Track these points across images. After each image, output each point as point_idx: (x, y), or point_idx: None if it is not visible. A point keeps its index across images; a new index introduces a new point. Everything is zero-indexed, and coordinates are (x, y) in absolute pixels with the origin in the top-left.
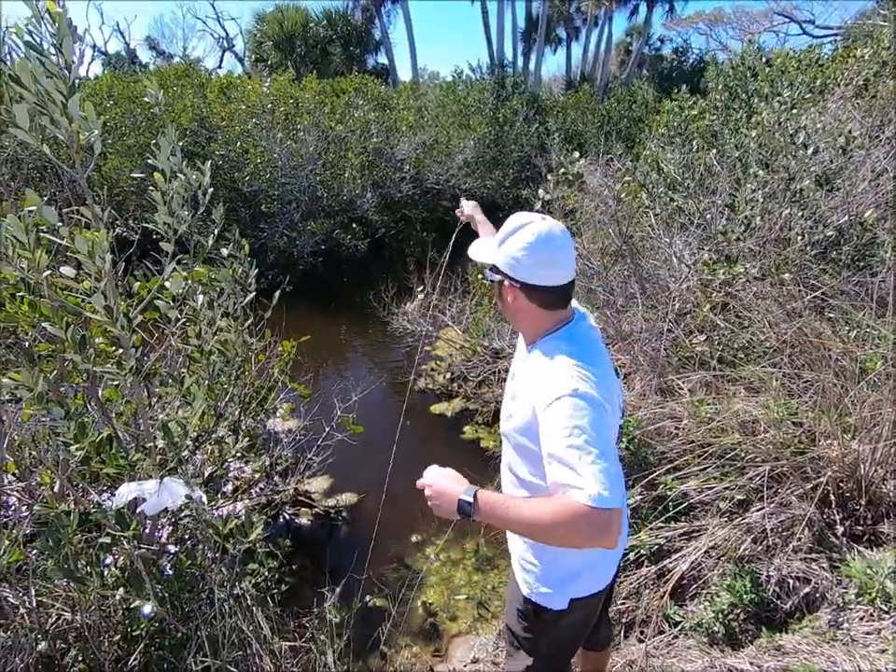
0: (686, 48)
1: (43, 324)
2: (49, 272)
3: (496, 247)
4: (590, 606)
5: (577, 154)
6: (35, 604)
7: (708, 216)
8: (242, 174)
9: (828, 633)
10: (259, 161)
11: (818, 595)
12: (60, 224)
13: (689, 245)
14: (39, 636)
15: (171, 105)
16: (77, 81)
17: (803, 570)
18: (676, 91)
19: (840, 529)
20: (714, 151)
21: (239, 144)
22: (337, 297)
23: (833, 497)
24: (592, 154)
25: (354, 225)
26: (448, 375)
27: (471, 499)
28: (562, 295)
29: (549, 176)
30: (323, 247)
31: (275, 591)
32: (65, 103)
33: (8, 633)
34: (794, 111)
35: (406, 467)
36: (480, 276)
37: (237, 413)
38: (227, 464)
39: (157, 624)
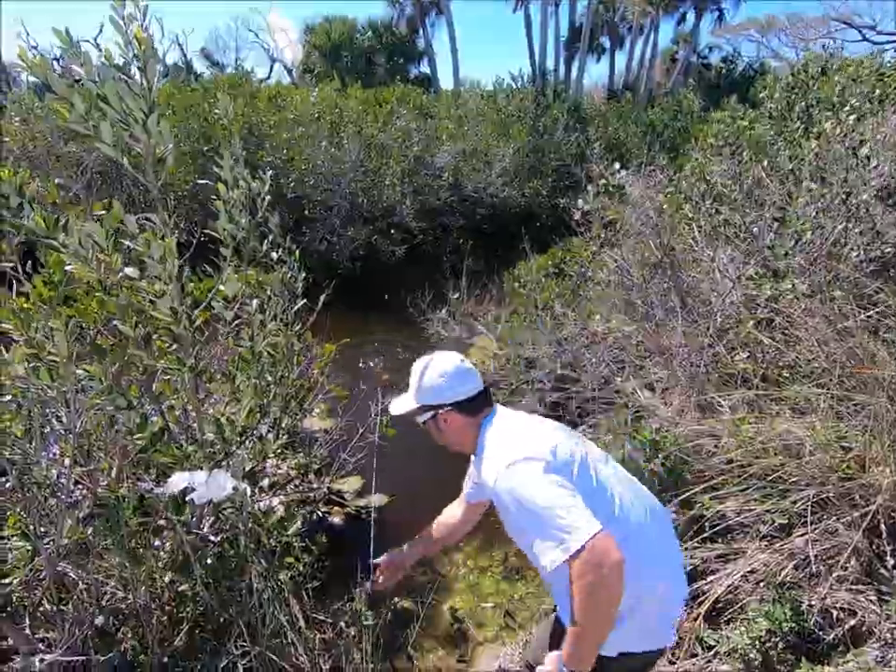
0: (735, 56)
1: (114, 321)
2: (121, 273)
3: (414, 394)
4: (642, 663)
5: (618, 165)
6: (91, 581)
7: (755, 229)
8: (287, 180)
9: (874, 669)
10: (303, 167)
11: (864, 628)
12: (137, 231)
13: (733, 259)
14: (97, 610)
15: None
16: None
17: (848, 601)
18: (724, 101)
19: (891, 561)
20: (766, 163)
21: (285, 151)
22: (374, 302)
23: (883, 528)
24: (634, 164)
25: (392, 231)
26: None
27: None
28: (484, 398)
29: (588, 187)
30: (362, 253)
31: (309, 586)
32: (146, 120)
33: (69, 606)
34: (860, 122)
35: (435, 472)
36: (516, 285)
37: (278, 411)
38: (265, 460)
39: (201, 609)
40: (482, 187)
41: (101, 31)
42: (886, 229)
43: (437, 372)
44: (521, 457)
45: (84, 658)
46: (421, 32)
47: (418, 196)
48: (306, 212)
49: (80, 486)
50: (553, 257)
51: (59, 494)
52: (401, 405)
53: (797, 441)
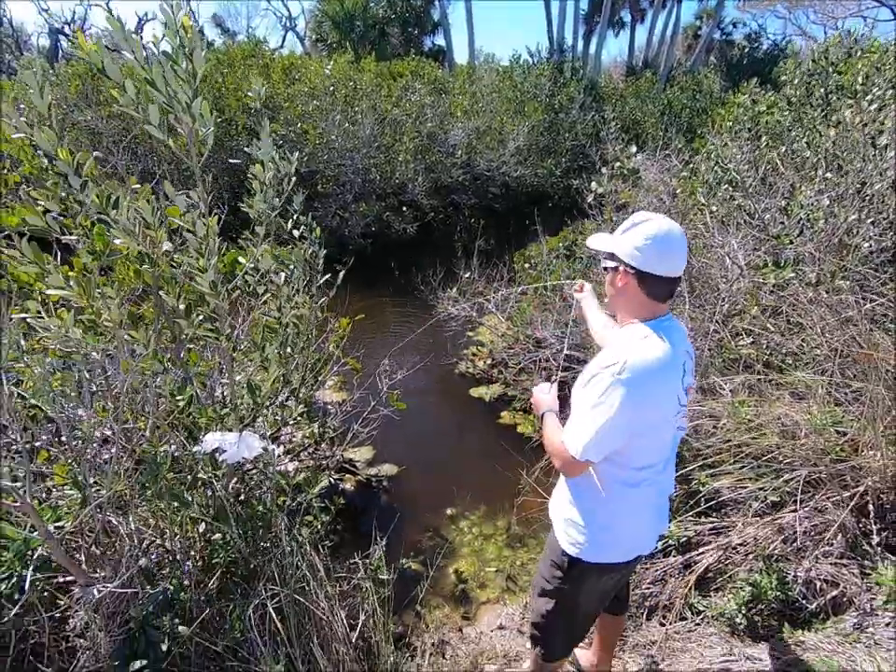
0: (759, 33)
1: (152, 292)
2: (165, 248)
3: (616, 237)
4: (619, 574)
5: (634, 149)
6: (133, 528)
7: (767, 216)
8: (300, 154)
9: (851, 635)
10: (317, 142)
11: (845, 599)
12: (187, 211)
13: (744, 245)
14: (140, 553)
15: (239, 84)
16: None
17: (832, 574)
18: (745, 80)
19: (876, 539)
20: (783, 149)
21: (299, 125)
22: (385, 279)
23: (871, 508)
24: (649, 146)
25: (404, 208)
26: (489, 361)
27: (541, 416)
28: (668, 288)
29: (603, 169)
30: (373, 229)
31: (326, 543)
32: (190, 104)
33: (114, 550)
34: (881, 111)
35: (443, 444)
36: (526, 266)
37: (299, 380)
38: (282, 427)
39: (232, 557)
40: (495, 165)
41: (144, 18)
42: None
43: (646, 234)
44: (619, 367)
45: (132, 591)
46: (436, 2)
47: (430, 173)
48: (319, 187)
49: (120, 443)
50: (564, 238)
51: (104, 448)
52: (600, 241)
53: (794, 424)
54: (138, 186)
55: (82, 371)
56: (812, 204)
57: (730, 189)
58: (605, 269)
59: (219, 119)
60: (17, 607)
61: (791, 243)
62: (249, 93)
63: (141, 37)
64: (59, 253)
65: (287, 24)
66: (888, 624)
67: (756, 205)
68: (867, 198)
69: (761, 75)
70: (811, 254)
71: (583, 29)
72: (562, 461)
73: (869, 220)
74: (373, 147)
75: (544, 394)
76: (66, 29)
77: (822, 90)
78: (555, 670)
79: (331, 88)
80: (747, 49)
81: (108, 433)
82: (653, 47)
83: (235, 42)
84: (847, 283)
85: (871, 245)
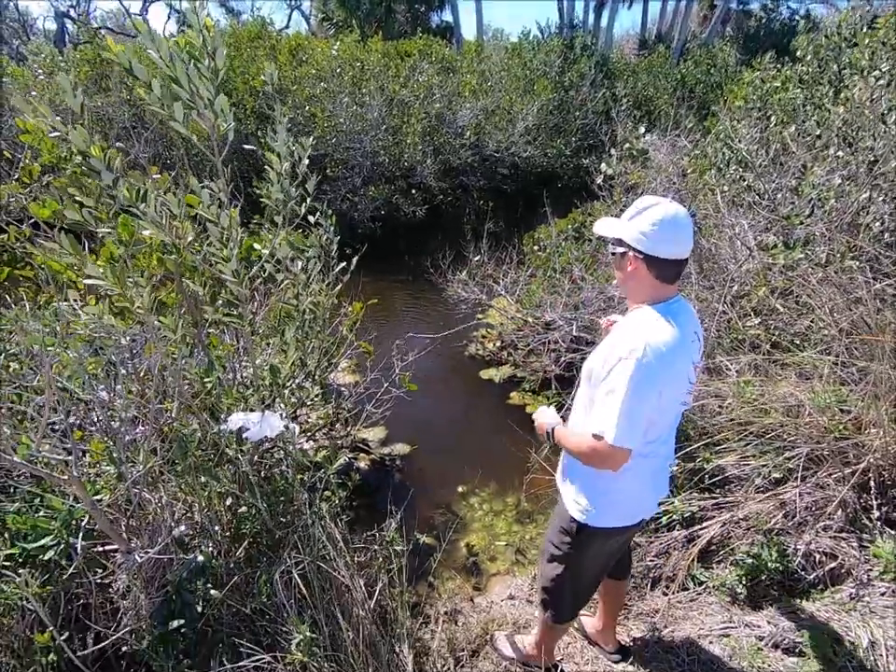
0: (778, 2)
1: (184, 279)
2: (192, 238)
3: (623, 223)
4: (623, 538)
5: (642, 129)
6: (164, 501)
7: (778, 196)
8: (309, 137)
9: (848, 604)
10: (325, 125)
11: (843, 570)
12: (210, 205)
13: (754, 226)
14: (173, 524)
15: (246, 67)
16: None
17: (831, 547)
18: (762, 54)
19: (876, 514)
20: (793, 128)
21: (307, 108)
22: (394, 262)
23: (872, 484)
24: (662, 123)
25: (413, 191)
26: (498, 343)
27: (551, 431)
28: (675, 270)
29: (612, 150)
30: (382, 213)
31: (343, 517)
32: (212, 101)
33: (147, 522)
34: (889, 87)
35: (454, 425)
36: (535, 248)
37: (315, 363)
38: (299, 408)
39: (257, 528)
40: (503, 146)
41: (169, 17)
42: None
43: (653, 218)
44: (641, 345)
45: (168, 558)
46: None
47: (439, 155)
48: (328, 171)
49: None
50: (573, 220)
51: (136, 427)
52: (605, 227)
53: (798, 403)
54: (158, 175)
55: (112, 356)
56: (823, 184)
57: (740, 169)
58: (612, 254)
59: (228, 103)
60: (70, 570)
61: (802, 223)
62: (261, 77)
63: (146, 19)
64: (86, 243)
65: (293, 3)
66: (883, 594)
67: (766, 185)
68: (879, 176)
69: (778, 47)
70: (822, 234)
71: (595, 2)
72: (599, 455)
73: (880, 199)
74: (381, 129)
75: (544, 415)
76: (72, 12)
77: (835, 66)
78: (562, 634)
79: (338, 69)
80: (764, 20)
81: (135, 413)
82: (667, 19)
83: (240, 22)
84: (857, 263)
85: (882, 224)
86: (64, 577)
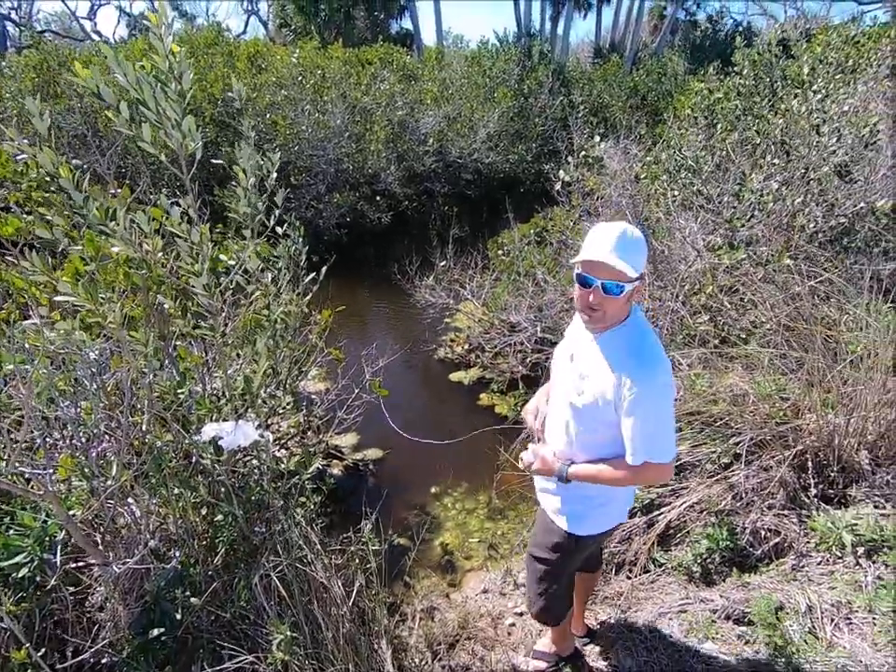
0: (721, 14)
1: (157, 293)
2: (160, 253)
3: (637, 259)
4: (604, 537)
5: (597, 138)
6: (137, 514)
7: (725, 200)
8: (271, 145)
9: (790, 574)
10: (287, 133)
11: (786, 544)
12: (181, 222)
13: (703, 227)
14: (148, 534)
15: (203, 74)
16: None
17: (774, 524)
18: (707, 63)
19: (813, 491)
20: (735, 136)
21: (269, 115)
22: (361, 269)
23: (810, 464)
24: (617, 131)
25: (377, 198)
26: (466, 346)
27: (565, 472)
28: None
29: (569, 158)
30: (348, 220)
31: (318, 522)
32: (179, 122)
33: (121, 536)
34: (824, 101)
35: (426, 427)
36: (500, 253)
37: (286, 372)
38: (271, 417)
39: (234, 535)
40: (466, 152)
41: (98, 3)
42: (840, 201)
43: (641, 241)
44: (664, 366)
45: (145, 568)
46: None
47: (403, 162)
48: (292, 179)
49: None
50: (535, 225)
51: (106, 442)
52: (619, 270)
53: (743, 392)
54: (119, 190)
55: (80, 371)
56: (762, 189)
57: (689, 175)
58: (619, 293)
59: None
60: (47, 586)
61: (744, 225)
62: (219, 84)
63: (95, 23)
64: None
65: (249, 8)
66: (819, 563)
67: (712, 190)
68: (811, 182)
69: (723, 56)
70: (762, 235)
71: (551, 11)
72: (664, 475)
73: (813, 202)
74: (344, 136)
75: (545, 460)
76: (13, 14)
77: (769, 79)
78: (569, 621)
79: (299, 77)
80: (709, 31)
81: (105, 429)
82: (620, 28)
83: (194, 26)
84: (793, 262)
85: (815, 225)
86: (40, 594)
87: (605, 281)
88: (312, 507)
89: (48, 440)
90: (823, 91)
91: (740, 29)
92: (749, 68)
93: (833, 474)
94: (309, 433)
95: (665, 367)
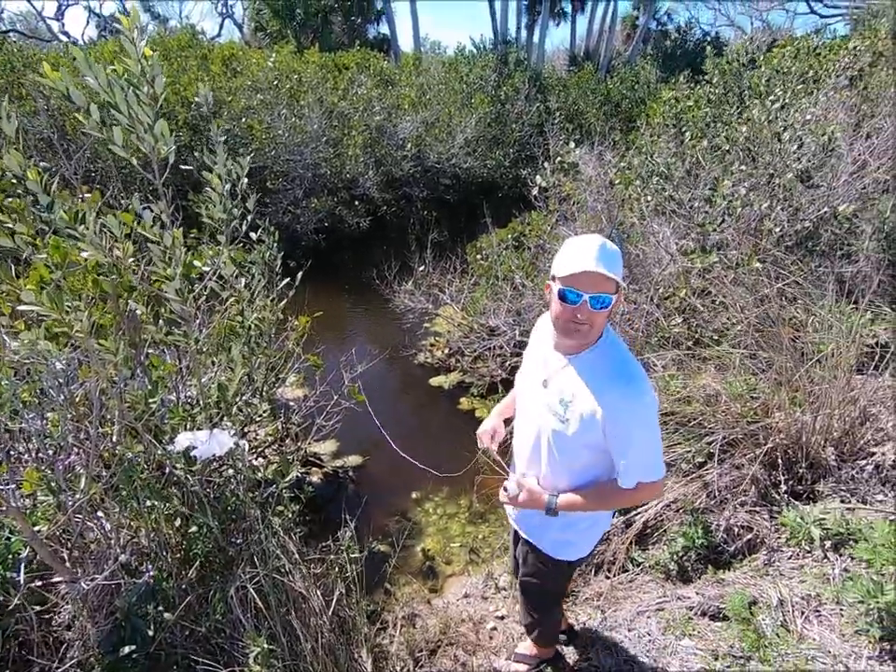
0: (690, 25)
1: (129, 301)
2: (131, 259)
3: (617, 271)
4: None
5: (572, 144)
6: (107, 528)
7: (696, 204)
8: (246, 150)
9: (762, 570)
10: (263, 137)
11: (758, 540)
12: (153, 225)
13: (676, 232)
14: (119, 550)
15: (177, 77)
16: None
17: (747, 520)
18: (677, 73)
19: (783, 488)
20: (705, 142)
21: (244, 120)
22: (340, 274)
23: (780, 462)
24: (592, 137)
25: (356, 202)
26: (446, 350)
27: (554, 505)
28: None
29: (546, 164)
30: (326, 225)
31: (297, 531)
32: (152, 125)
33: (90, 551)
34: (784, 110)
35: (406, 433)
36: (478, 257)
37: (262, 379)
38: (248, 425)
39: (209, 547)
40: (444, 157)
41: (66, 3)
42: (804, 206)
43: (619, 252)
44: (647, 383)
45: (115, 584)
46: None
47: (381, 167)
48: (268, 183)
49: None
50: (512, 230)
51: (77, 454)
52: (611, 279)
53: (716, 392)
54: (88, 195)
55: (45, 382)
56: (732, 194)
57: (661, 181)
58: (601, 308)
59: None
60: (3, 607)
61: (715, 230)
62: (193, 87)
63: (62, 24)
64: (11, 266)
65: (224, 11)
66: (789, 558)
67: (683, 196)
68: (776, 187)
69: (693, 65)
70: (732, 239)
71: (526, 19)
72: (656, 493)
73: (779, 207)
74: (322, 141)
75: (531, 492)
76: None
77: (737, 88)
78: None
79: (275, 81)
80: (679, 41)
81: (72, 441)
82: (594, 37)
83: (167, 28)
84: (762, 265)
85: (782, 229)
86: (2, 614)
87: (591, 295)
88: (290, 516)
89: (11, 453)
90: (781, 101)
91: (709, 39)
92: (718, 77)
93: (801, 470)
94: (287, 441)
95: (648, 383)
